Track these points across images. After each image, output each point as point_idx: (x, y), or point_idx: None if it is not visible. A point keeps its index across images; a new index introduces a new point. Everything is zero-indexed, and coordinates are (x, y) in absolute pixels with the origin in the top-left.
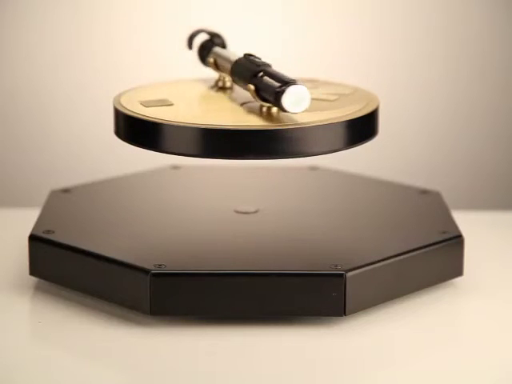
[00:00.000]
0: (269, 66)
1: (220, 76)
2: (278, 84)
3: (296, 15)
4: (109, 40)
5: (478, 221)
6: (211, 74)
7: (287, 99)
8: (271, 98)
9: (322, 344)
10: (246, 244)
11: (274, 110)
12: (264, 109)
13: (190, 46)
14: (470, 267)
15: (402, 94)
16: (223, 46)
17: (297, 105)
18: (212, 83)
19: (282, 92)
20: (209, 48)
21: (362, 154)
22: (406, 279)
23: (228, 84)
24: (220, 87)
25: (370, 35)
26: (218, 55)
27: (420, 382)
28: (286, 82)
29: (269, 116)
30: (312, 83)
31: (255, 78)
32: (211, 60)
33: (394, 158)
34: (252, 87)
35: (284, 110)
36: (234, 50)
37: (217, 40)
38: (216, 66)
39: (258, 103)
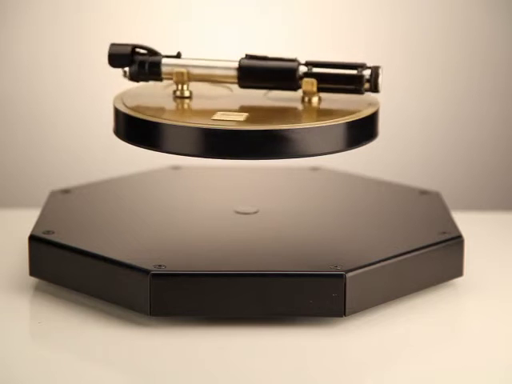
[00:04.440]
0: (296, 59)
1: (178, 86)
2: (353, 71)
3: (296, 15)
4: (109, 40)
5: (478, 221)
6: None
7: (381, 80)
8: (349, 86)
9: (322, 344)
10: (246, 244)
11: (315, 99)
12: (306, 99)
13: (119, 63)
14: (470, 267)
15: (402, 95)
16: (160, 55)
17: (381, 85)
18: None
19: (377, 74)
20: (152, 61)
21: (362, 155)
22: (406, 279)
23: (186, 93)
24: (178, 96)
25: (369, 36)
26: (190, 65)
27: (420, 382)
28: (362, 66)
29: (310, 106)
30: None
31: (304, 72)
32: (183, 71)
33: (394, 158)
34: (313, 80)
35: (376, 91)
36: (188, 57)
37: (150, 51)
38: (187, 77)
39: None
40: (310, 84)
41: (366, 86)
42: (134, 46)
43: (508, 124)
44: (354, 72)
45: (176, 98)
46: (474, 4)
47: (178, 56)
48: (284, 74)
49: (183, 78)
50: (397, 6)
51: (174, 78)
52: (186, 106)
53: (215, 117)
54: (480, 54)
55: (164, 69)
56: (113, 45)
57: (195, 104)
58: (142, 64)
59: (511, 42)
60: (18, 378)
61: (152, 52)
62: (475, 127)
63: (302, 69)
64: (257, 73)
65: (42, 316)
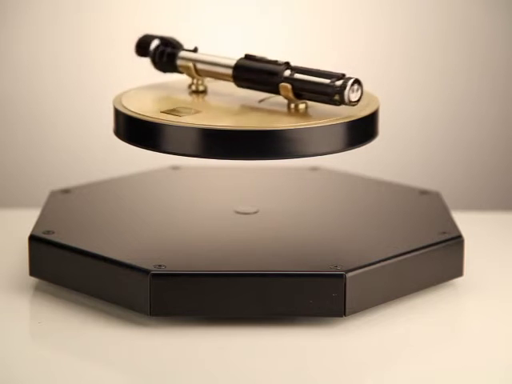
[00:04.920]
0: (288, 63)
1: (193, 80)
2: (327, 80)
3: (296, 15)
4: (109, 40)
5: (478, 221)
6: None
7: (348, 92)
8: (322, 96)
9: (322, 344)
10: (246, 244)
11: (302, 106)
12: (292, 105)
13: (145, 52)
14: (470, 267)
15: (402, 95)
16: (181, 48)
17: (355, 96)
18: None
19: (344, 87)
20: (171, 53)
21: (362, 155)
22: (406, 279)
23: (201, 88)
24: (194, 91)
25: (369, 36)
26: (196, 59)
27: (420, 382)
28: (339, 77)
29: (296, 113)
30: None
31: (284, 77)
32: (189, 65)
33: (394, 158)
34: (288, 85)
35: (344, 103)
36: (204, 52)
37: (175, 43)
38: (195, 71)
39: (274, 100)
40: (285, 89)
41: (336, 97)
42: (162, 38)
43: (507, 124)
44: (327, 81)
45: (192, 92)
46: (473, 4)
47: (195, 51)
48: (267, 76)
49: (191, 72)
50: (397, 7)
51: (185, 72)
52: (186, 105)
53: (164, 110)
54: (479, 54)
55: (179, 62)
56: (144, 35)
57: (201, 101)
58: (161, 55)
59: (510, 43)
60: (18, 378)
61: (176, 45)
62: (475, 127)
63: (286, 73)
64: (246, 73)
65: (42, 316)
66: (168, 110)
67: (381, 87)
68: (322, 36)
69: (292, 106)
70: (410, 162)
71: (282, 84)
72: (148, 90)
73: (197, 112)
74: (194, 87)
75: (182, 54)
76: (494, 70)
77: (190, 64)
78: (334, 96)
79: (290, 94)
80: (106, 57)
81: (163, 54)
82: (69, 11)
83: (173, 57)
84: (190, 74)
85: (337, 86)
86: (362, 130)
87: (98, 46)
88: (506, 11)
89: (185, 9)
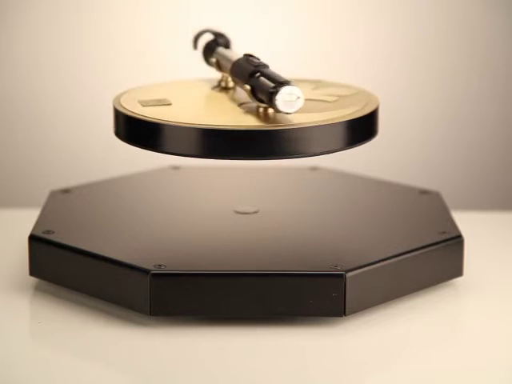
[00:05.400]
0: (266, 66)
1: (223, 76)
2: (272, 84)
3: (296, 15)
4: (109, 40)
5: (478, 221)
6: (211, 75)
7: (280, 99)
8: (265, 99)
9: (322, 344)
10: (246, 244)
11: (271, 110)
12: (261, 109)
13: (195, 46)
14: (470, 267)
15: (402, 94)
16: (227, 46)
17: (290, 105)
18: (214, 83)
19: (276, 92)
20: (213, 48)
21: (362, 155)
22: (406, 279)
23: (230, 84)
24: (223, 87)
25: (369, 36)
26: (221, 55)
27: (420, 382)
28: (280, 83)
29: (265, 116)
30: (315, 84)
31: (252, 78)
32: (214, 60)
33: (394, 158)
34: (248, 87)
35: (277, 111)
36: (237, 51)
37: (221, 40)
38: (219, 67)
39: (255, 104)
40: (246, 90)
41: (271, 103)
42: (215, 34)
43: (507, 124)
44: (271, 86)
45: (222, 89)
46: (473, 4)
47: (227, 46)
48: (240, 76)
49: (215, 67)
50: (397, 7)
51: (215, 68)
52: (185, 106)
53: (141, 99)
54: (479, 54)
55: (214, 57)
56: (202, 30)
57: (194, 104)
58: (205, 49)
59: (510, 43)
60: (18, 378)
61: (221, 41)
62: (475, 127)
63: (256, 75)
64: (233, 72)
65: (41, 316)
66: (142, 101)
67: (381, 87)
68: (322, 36)
69: (260, 110)
70: (409, 162)
71: (245, 85)
72: (148, 90)
73: (167, 105)
74: (223, 83)
75: (222, 50)
76: (494, 70)
77: (214, 59)
78: (270, 102)
79: (251, 96)
80: (106, 57)
81: (208, 48)
82: (69, 11)
83: (210, 52)
84: (216, 70)
85: (272, 92)
86: (362, 129)
87: (98, 46)
88: (506, 11)
89: (184, 9)
